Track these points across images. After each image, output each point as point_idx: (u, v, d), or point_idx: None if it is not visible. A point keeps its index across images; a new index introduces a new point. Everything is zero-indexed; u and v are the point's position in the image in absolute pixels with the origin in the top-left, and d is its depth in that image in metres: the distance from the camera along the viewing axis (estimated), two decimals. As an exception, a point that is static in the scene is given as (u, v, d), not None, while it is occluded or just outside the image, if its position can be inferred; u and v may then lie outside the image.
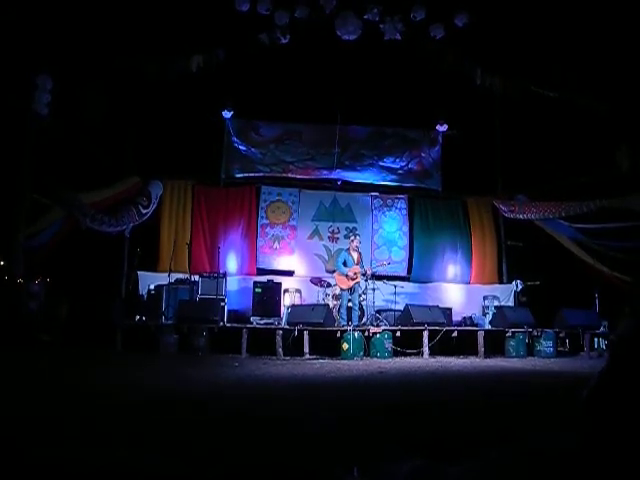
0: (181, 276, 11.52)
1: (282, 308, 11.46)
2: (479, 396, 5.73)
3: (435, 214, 14.02)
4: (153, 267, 12.39)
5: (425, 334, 10.34)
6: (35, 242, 10.32)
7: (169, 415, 4.36)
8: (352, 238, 11.46)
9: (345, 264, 10.94)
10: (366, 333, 10.13)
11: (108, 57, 10.32)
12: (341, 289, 11.03)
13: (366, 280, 11.24)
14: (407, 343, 10.36)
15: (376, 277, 11.59)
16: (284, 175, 13.68)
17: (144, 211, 12.21)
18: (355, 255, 11.07)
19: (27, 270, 9.92)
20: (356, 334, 9.93)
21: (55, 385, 5.83)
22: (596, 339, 11.32)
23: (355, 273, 10.84)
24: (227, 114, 13.38)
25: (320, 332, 10.07)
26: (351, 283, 10.87)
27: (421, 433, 3.59)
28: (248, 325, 10.55)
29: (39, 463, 2.90)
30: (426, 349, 10.32)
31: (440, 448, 3.00)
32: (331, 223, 13.52)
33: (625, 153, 10.63)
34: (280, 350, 9.92)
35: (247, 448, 3.32)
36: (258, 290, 11.53)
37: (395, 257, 13.52)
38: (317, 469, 2.80)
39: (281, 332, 10.08)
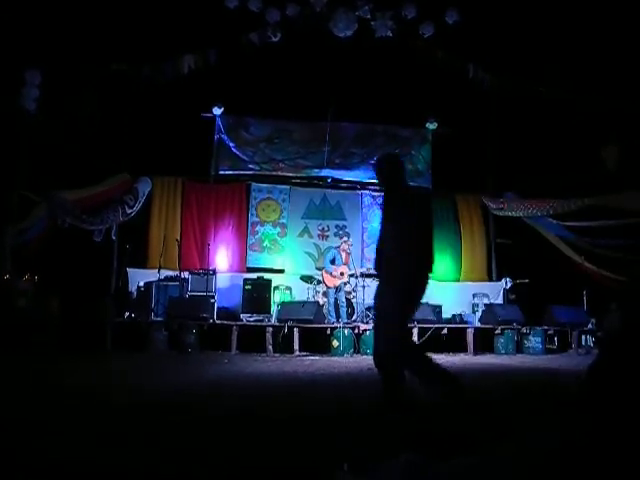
0: (171, 273, 11.47)
1: (272, 305, 11.46)
2: (471, 393, 5.75)
3: (425, 212, 14.01)
4: (142, 264, 12.31)
5: (415, 331, 10.37)
6: (24, 238, 10.25)
7: (163, 416, 4.34)
8: (345, 239, 11.57)
9: (333, 262, 10.99)
10: (356, 330, 10.16)
11: (99, 57, 10.28)
12: (327, 287, 11.07)
13: (356, 278, 11.27)
14: (397, 340, 10.37)
15: (366, 275, 11.60)
16: (274, 173, 13.65)
17: (129, 211, 12.12)
18: (344, 255, 11.17)
19: (15, 267, 9.86)
20: (346, 331, 9.96)
21: (51, 386, 5.82)
22: (584, 336, 11.43)
23: (342, 273, 10.91)
24: (217, 111, 13.31)
25: (310, 329, 10.08)
26: (337, 282, 10.93)
27: (415, 430, 3.60)
28: (238, 322, 10.54)
29: (39, 464, 2.89)
30: (416, 346, 10.34)
31: (434, 445, 3.02)
32: (321, 221, 13.52)
33: (611, 151, 10.71)
34: (270, 347, 9.93)
35: (243, 448, 3.32)
36: (248, 287, 11.52)
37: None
38: (314, 469, 2.81)
39: (271, 329, 10.08)
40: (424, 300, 12.03)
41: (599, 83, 10.36)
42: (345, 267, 11.02)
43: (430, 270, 4.51)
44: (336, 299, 10.97)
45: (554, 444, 2.43)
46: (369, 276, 11.82)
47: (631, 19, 9.46)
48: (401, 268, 4.36)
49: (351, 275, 11.07)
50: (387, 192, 4.74)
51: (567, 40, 10.11)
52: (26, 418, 4.05)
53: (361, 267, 11.61)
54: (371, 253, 13.23)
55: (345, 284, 11.18)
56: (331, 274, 10.91)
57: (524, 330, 10.90)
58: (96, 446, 3.27)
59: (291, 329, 9.99)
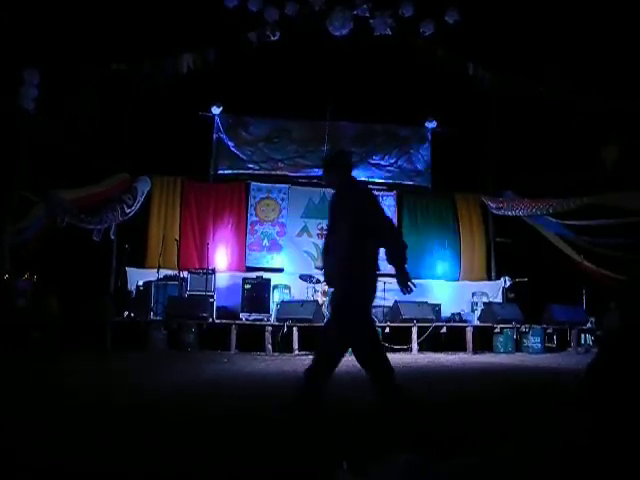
0: (170, 272, 11.48)
1: (271, 304, 11.45)
2: (471, 392, 5.76)
3: (424, 211, 14.05)
4: (141, 263, 12.30)
5: (414, 330, 10.39)
6: (23, 237, 10.24)
7: (163, 416, 4.34)
8: None
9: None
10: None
11: (98, 56, 10.27)
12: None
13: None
14: (396, 339, 10.40)
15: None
16: (273, 172, 13.64)
17: (128, 210, 12.10)
18: None
19: (14, 267, 9.85)
20: (345, 330, 9.93)
21: (51, 386, 5.81)
22: (583, 335, 11.45)
23: None
24: (216, 110, 13.31)
25: (309, 328, 10.08)
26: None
27: (415, 430, 3.60)
28: (237, 321, 10.53)
29: (39, 464, 2.89)
30: (415, 345, 10.37)
31: (434, 445, 3.02)
32: (320, 220, 13.47)
33: (611, 151, 10.70)
34: (269, 346, 9.93)
35: (243, 448, 3.32)
36: (247, 286, 11.51)
37: (383, 254, 13.50)
38: (314, 469, 2.81)
39: (270, 328, 10.09)
40: (424, 299, 12.08)
41: (599, 83, 10.35)
42: None
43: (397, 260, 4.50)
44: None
45: (554, 444, 2.43)
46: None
47: (631, 19, 9.45)
48: (358, 269, 4.33)
49: None
50: (339, 191, 4.64)
51: (567, 40, 10.10)
52: (26, 418, 4.05)
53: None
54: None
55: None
56: None
57: (523, 329, 10.92)
58: (96, 446, 3.27)
59: (290, 328, 9.99)
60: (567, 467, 2.22)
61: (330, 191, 14.38)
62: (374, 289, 4.61)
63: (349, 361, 8.00)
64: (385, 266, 13.49)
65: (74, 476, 2.76)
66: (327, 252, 4.54)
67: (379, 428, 3.73)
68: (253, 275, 12.08)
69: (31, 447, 3.21)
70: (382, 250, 4.64)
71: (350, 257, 4.31)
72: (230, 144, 13.48)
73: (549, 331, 11.32)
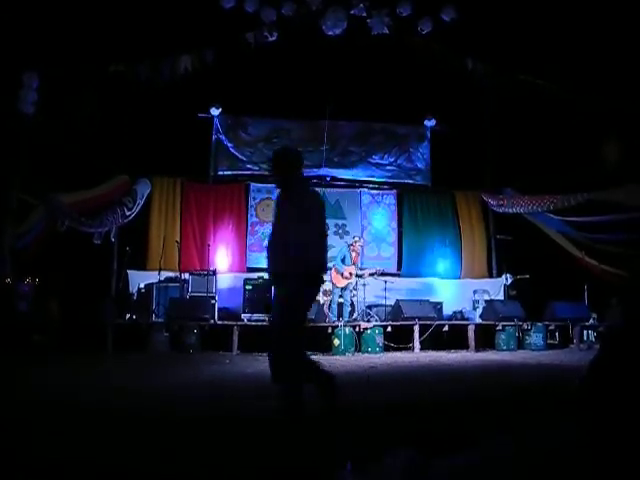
0: (171, 274, 11.45)
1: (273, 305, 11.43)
2: (473, 390, 5.75)
3: (424, 209, 14.05)
4: (143, 265, 12.30)
5: (416, 329, 10.39)
6: (24, 242, 10.24)
7: (163, 416, 4.34)
8: (357, 239, 11.57)
9: (343, 260, 11.01)
10: (357, 329, 10.16)
11: (97, 58, 10.27)
12: (334, 285, 11.06)
13: (363, 277, 11.28)
14: (398, 338, 10.40)
15: (371, 274, 11.65)
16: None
17: (128, 213, 12.08)
18: (354, 255, 11.18)
19: (15, 270, 9.85)
20: (347, 330, 9.95)
21: (52, 387, 5.82)
22: (585, 331, 11.43)
23: (350, 273, 10.93)
24: (215, 111, 13.31)
25: (311, 328, 10.06)
26: (345, 282, 10.93)
27: (415, 430, 3.60)
28: (239, 322, 10.53)
29: (39, 464, 2.89)
30: (417, 344, 10.37)
31: (434, 445, 3.02)
32: (319, 220, 13.45)
33: (612, 151, 10.67)
34: (271, 347, 9.91)
35: (243, 448, 3.31)
36: (249, 287, 11.49)
37: (384, 253, 13.54)
38: (314, 469, 2.80)
39: (272, 329, 10.07)
40: (425, 297, 12.06)
41: (599, 83, 10.33)
42: (353, 267, 11.05)
43: (320, 270, 4.47)
44: (340, 297, 11.03)
45: (554, 444, 2.42)
46: (370, 274, 11.88)
47: (631, 19, 9.43)
48: (303, 269, 4.29)
49: (358, 276, 11.09)
50: (288, 190, 4.61)
51: (567, 39, 10.07)
52: (26, 418, 4.05)
53: (361, 266, 11.62)
54: (371, 252, 13.30)
55: (349, 284, 11.17)
56: (342, 274, 10.92)
57: (525, 326, 10.91)
58: (96, 446, 3.27)
59: (292, 328, 9.96)
60: (567, 467, 2.21)
61: (330, 191, 14.41)
62: (317, 289, 4.61)
63: (351, 362, 7.98)
64: (386, 266, 13.49)
65: (74, 476, 2.76)
66: (272, 250, 4.51)
67: (379, 428, 3.73)
68: (254, 276, 12.05)
69: (31, 447, 3.21)
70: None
71: (295, 257, 4.27)
72: (229, 145, 13.48)
73: (551, 328, 11.31)
